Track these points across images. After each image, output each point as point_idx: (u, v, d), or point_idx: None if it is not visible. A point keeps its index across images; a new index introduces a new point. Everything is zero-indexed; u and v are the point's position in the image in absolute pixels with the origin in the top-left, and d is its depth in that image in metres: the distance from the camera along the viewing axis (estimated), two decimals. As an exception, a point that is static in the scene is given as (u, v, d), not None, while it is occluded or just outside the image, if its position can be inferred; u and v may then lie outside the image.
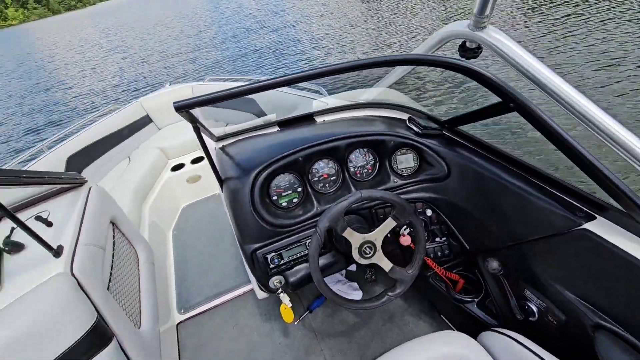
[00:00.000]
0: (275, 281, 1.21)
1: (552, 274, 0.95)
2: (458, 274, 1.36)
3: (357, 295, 1.75)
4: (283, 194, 1.25)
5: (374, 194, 1.04)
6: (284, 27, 11.82)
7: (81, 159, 2.51)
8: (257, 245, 1.18)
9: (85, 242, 1.22)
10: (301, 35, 10.19)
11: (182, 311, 1.87)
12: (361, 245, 1.08)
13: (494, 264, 1.12)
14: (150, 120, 3.24)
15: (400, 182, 1.28)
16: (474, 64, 0.90)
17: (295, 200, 1.26)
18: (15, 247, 1.15)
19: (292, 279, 1.23)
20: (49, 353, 0.92)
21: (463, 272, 1.38)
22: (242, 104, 2.91)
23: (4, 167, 1.06)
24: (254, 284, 1.33)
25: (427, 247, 1.35)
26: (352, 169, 1.32)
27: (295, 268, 1.24)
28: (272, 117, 1.64)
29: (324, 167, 1.29)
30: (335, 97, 2.03)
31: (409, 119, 1.35)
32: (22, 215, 1.35)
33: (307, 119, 1.59)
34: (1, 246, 1.16)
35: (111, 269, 1.37)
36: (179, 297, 1.95)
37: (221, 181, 1.30)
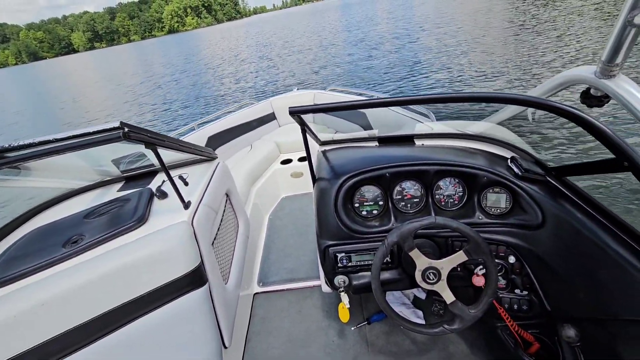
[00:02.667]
0: (340, 279, 1.33)
1: None
2: (533, 335, 1.23)
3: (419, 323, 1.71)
4: (365, 204, 1.36)
5: (450, 223, 1.06)
6: (414, 50, 11.85)
7: (218, 140, 3.13)
8: (331, 242, 1.31)
9: (205, 203, 1.55)
10: (431, 59, 10.05)
11: (261, 284, 2.15)
12: (426, 269, 1.10)
13: (570, 332, 1.00)
14: (274, 117, 3.77)
15: (485, 220, 1.24)
16: (592, 113, 0.85)
17: (375, 212, 1.36)
18: (162, 195, 1.55)
19: (355, 282, 1.32)
20: (161, 277, 1.21)
21: (539, 334, 1.23)
22: (353, 116, 3.13)
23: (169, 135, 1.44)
24: (321, 277, 1.47)
25: (504, 296, 1.27)
26: (437, 196, 1.34)
27: (360, 273, 1.33)
28: (374, 132, 1.76)
29: (409, 188, 1.35)
30: (442, 123, 2.03)
31: (512, 158, 1.29)
32: (172, 173, 1.80)
33: (407, 139, 1.66)
34: (154, 191, 1.58)
35: (218, 230, 1.70)
36: (261, 271, 2.25)
37: (314, 180, 1.49)
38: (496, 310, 1.23)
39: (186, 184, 1.65)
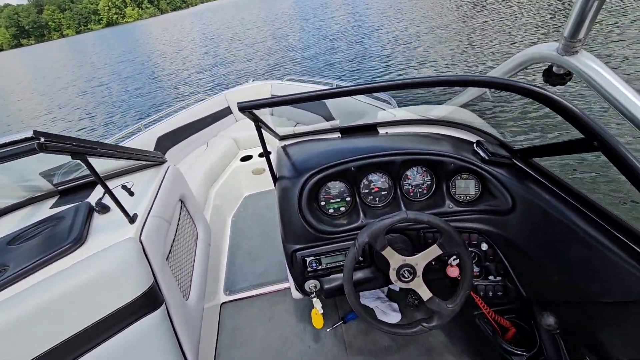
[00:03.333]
0: (310, 284, 1.24)
1: (622, 347, 0.81)
2: (510, 320, 1.22)
3: (395, 317, 1.68)
4: (331, 201, 1.27)
5: (421, 216, 1.00)
6: (368, 38, 11.85)
7: (168, 140, 2.87)
8: (298, 246, 1.21)
9: (155, 213, 1.38)
10: (383, 47, 10.11)
11: (228, 293, 2.01)
12: (400, 267, 1.04)
13: (549, 320, 0.99)
14: (230, 112, 3.55)
15: (455, 208, 1.21)
16: (556, 92, 0.81)
17: (342, 209, 1.27)
18: (103, 209, 1.35)
19: (326, 286, 1.24)
20: (107, 305, 1.06)
21: (516, 319, 1.24)
22: (313, 106, 3.02)
23: (104, 142, 1.25)
24: (291, 283, 1.37)
25: (479, 284, 1.25)
26: (405, 187, 1.28)
27: (332, 276, 1.25)
28: (336, 122, 1.67)
29: (376, 180, 1.28)
30: (404, 109, 1.99)
31: (477, 142, 1.26)
32: (112, 183, 1.58)
33: (370, 129, 1.58)
34: (94, 205, 1.38)
35: (172, 242, 1.53)
36: (227, 279, 2.10)
37: (275, 179, 1.37)
38: (472, 299, 1.21)
39: (131, 194, 1.46)
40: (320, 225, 1.21)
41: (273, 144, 1.68)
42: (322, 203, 1.27)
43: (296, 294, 1.40)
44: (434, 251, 1.03)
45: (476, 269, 1.23)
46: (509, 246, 1.13)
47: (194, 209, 1.91)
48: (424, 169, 1.27)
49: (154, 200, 1.43)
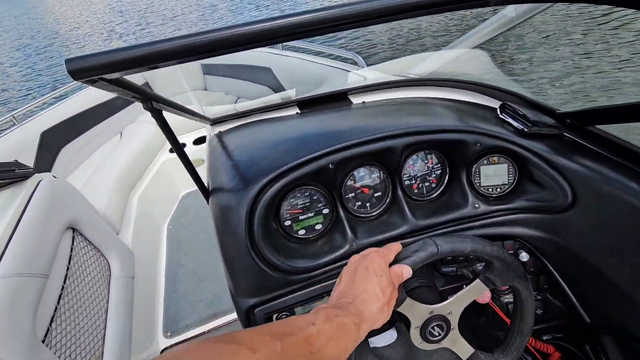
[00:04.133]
0: None
1: None
2: (553, 343, 0.92)
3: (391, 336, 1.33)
4: (300, 218, 0.81)
5: (461, 246, 0.60)
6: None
7: (60, 135, 2.12)
8: (255, 301, 0.76)
9: (10, 271, 0.83)
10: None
11: (169, 334, 1.51)
12: (426, 323, 0.65)
13: None
14: (149, 89, 2.79)
15: (483, 207, 0.82)
16: None
17: (318, 226, 0.83)
18: None
19: None
20: None
21: (561, 342, 0.93)
22: (253, 74, 2.42)
23: None
24: None
25: (509, 301, 0.91)
26: (406, 182, 0.87)
27: None
28: (290, 93, 1.18)
29: (364, 178, 0.84)
30: (378, 68, 1.53)
31: (503, 106, 0.86)
32: None
33: (339, 98, 1.12)
34: None
35: (58, 302, 0.99)
36: (166, 315, 1.59)
37: (207, 192, 0.87)
38: (502, 320, 0.87)
39: None
40: (289, 261, 0.76)
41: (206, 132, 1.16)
42: (287, 223, 0.81)
43: None
44: (476, 289, 0.65)
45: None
46: (565, 256, 0.79)
47: (98, 234, 1.34)
48: (431, 153, 0.86)
49: (6, 247, 0.87)
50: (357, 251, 0.79)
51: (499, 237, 0.83)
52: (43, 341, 0.86)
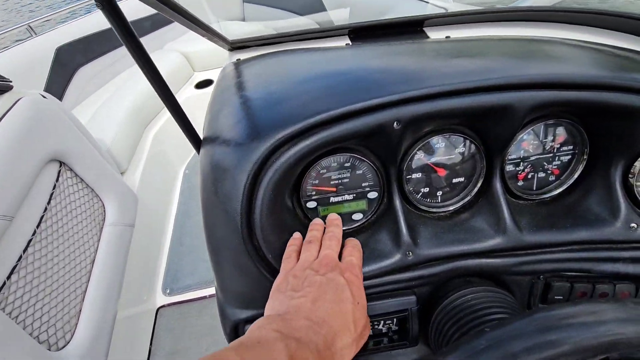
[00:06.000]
0: None
1: None
2: None
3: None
4: (332, 200, 0.53)
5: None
6: None
7: (77, 54, 1.90)
8: (248, 315, 0.50)
9: None
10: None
11: (168, 292, 1.36)
12: None
13: None
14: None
15: None
16: None
17: (357, 216, 0.54)
18: None
19: None
20: None
21: None
22: (301, 2, 2.00)
23: None
24: None
25: None
26: (509, 167, 0.54)
27: None
28: (341, 14, 0.85)
29: (441, 149, 0.52)
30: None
31: None
32: None
33: (410, 29, 0.77)
34: None
35: (25, 250, 0.81)
36: (168, 270, 1.44)
37: (198, 140, 0.60)
38: None
39: None
40: None
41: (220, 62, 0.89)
42: (311, 204, 0.53)
43: None
44: None
45: None
46: None
47: (97, 171, 1.15)
48: (562, 125, 0.51)
49: None
50: (412, 266, 0.50)
51: None
52: None
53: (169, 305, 1.32)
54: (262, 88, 0.58)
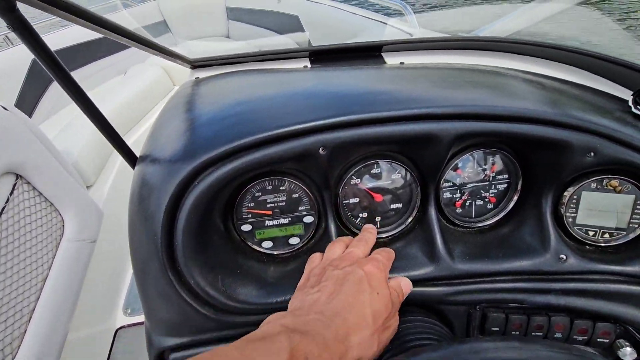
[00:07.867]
0: None
1: None
2: None
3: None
4: (268, 223, 0.52)
5: None
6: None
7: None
8: (174, 343, 0.48)
9: None
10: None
11: (129, 312, 1.31)
12: None
13: None
14: (167, 29, 2.50)
15: (575, 262, 0.48)
16: None
17: (294, 240, 0.53)
18: None
19: None
20: None
21: None
22: (279, 22, 2.03)
23: None
24: None
25: None
26: (446, 194, 0.54)
27: None
28: (300, 37, 0.86)
29: (379, 174, 0.52)
30: (432, 24, 1.15)
31: (638, 94, 0.50)
32: None
33: (368, 54, 0.79)
34: None
35: None
36: (131, 289, 1.39)
37: (134, 159, 0.59)
38: None
39: None
40: (234, 289, 0.47)
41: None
42: (246, 227, 0.51)
43: None
44: None
45: None
46: None
47: (58, 185, 1.11)
48: (497, 155, 0.52)
49: None
50: None
51: (588, 315, 0.49)
52: None
53: (129, 326, 1.26)
54: (205, 107, 0.58)
